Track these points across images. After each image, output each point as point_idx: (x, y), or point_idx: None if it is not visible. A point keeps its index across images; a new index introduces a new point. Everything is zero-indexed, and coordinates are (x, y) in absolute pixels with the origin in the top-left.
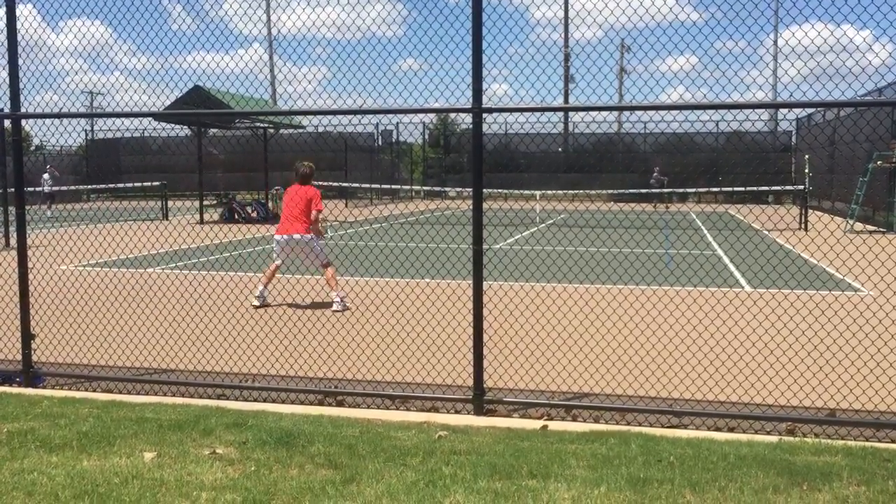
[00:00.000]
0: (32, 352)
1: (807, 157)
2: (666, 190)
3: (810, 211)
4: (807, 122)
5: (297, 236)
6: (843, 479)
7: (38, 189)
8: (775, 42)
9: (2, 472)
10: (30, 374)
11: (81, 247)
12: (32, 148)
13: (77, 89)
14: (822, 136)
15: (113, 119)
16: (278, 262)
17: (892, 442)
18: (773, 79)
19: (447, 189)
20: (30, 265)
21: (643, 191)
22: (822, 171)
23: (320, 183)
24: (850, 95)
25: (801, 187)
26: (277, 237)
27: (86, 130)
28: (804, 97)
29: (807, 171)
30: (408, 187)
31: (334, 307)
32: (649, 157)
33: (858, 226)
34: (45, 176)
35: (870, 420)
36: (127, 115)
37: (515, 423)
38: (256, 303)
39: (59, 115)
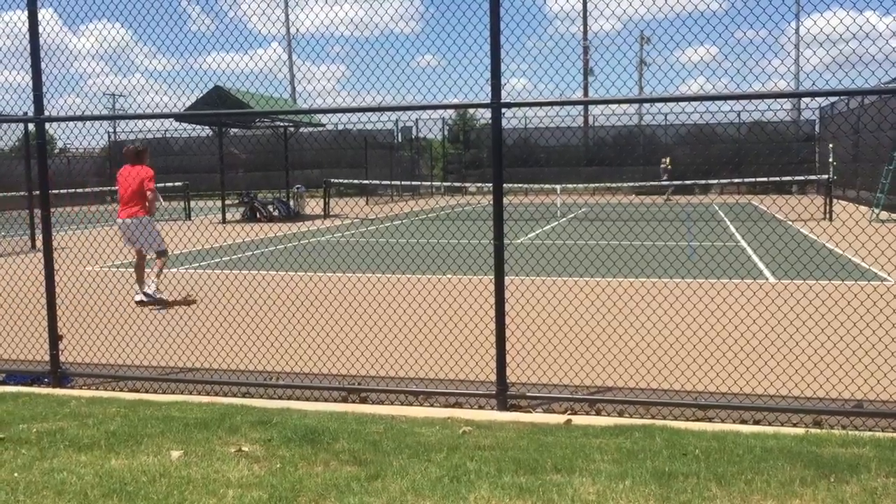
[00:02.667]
0: (60, 352)
1: (831, 146)
2: (666, 182)
3: (835, 200)
4: (830, 111)
5: (130, 220)
6: (871, 470)
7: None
8: (797, 30)
9: (32, 472)
10: (58, 374)
11: (106, 248)
12: (56, 151)
13: (99, 92)
14: (845, 125)
15: (135, 120)
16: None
17: None
18: (796, 68)
19: (467, 185)
20: (56, 266)
21: (664, 182)
22: (847, 159)
23: (341, 181)
24: (874, 83)
25: (826, 176)
26: (118, 220)
27: (108, 132)
28: (827, 86)
29: (831, 160)
30: (428, 183)
31: (137, 297)
32: (671, 148)
33: (884, 214)
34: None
35: None
36: (148, 117)
37: (539, 417)
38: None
39: (82, 118)
